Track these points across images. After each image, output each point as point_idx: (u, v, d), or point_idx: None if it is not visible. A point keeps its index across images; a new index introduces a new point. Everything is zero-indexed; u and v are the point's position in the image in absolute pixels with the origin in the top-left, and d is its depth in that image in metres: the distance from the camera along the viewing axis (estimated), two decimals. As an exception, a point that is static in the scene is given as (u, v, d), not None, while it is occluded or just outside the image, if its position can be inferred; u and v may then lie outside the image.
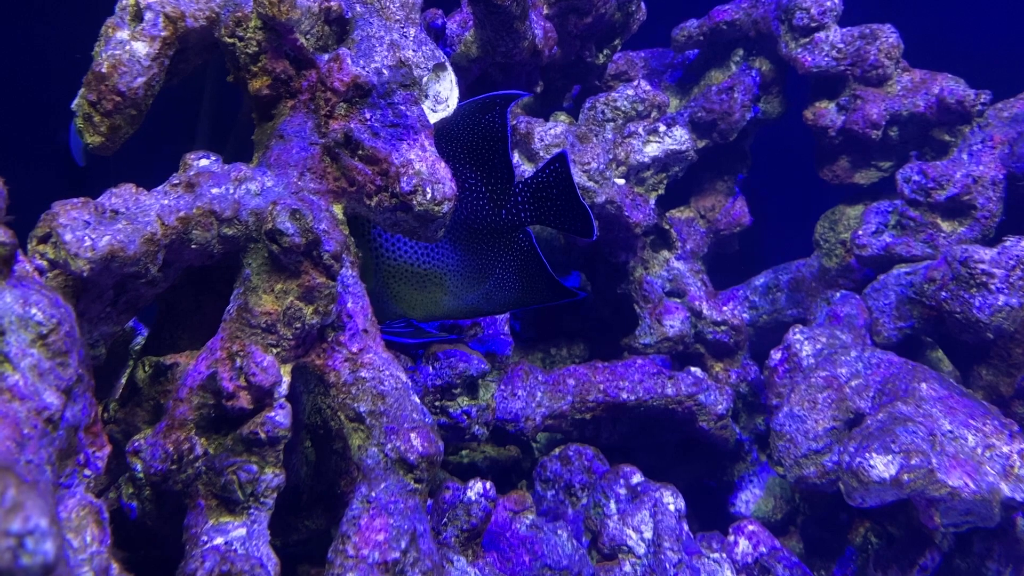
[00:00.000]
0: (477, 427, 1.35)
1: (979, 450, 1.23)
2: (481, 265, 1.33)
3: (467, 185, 1.30)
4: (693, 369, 1.64)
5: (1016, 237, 1.47)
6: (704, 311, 1.84)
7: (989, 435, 1.25)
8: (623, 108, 1.74)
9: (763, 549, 1.32)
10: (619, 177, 1.69)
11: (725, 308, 1.88)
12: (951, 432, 1.25)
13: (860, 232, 1.76)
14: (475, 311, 1.38)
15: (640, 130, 1.73)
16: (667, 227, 1.88)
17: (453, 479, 1.50)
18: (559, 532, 1.22)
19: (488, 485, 1.08)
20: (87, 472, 0.74)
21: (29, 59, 1.80)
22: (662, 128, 1.74)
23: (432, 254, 1.29)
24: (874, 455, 1.20)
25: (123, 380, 1.11)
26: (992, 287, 1.45)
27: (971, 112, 1.76)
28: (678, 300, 1.84)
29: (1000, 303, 1.45)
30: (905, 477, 1.18)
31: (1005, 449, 1.23)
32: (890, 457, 1.19)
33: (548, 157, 1.58)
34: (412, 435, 0.93)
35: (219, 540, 0.85)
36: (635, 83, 1.77)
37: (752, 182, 2.09)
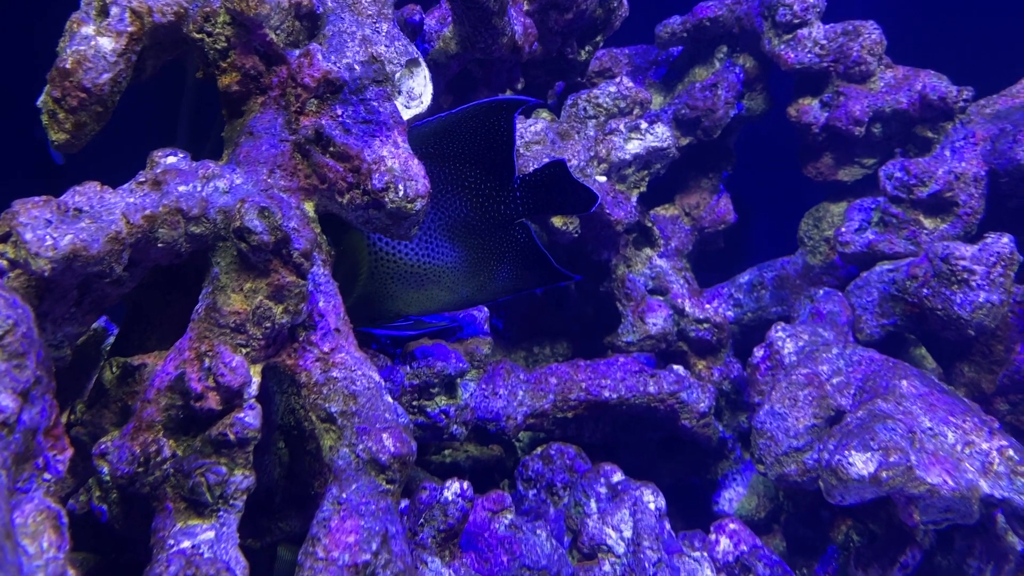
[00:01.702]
0: (456, 427, 1.34)
1: (959, 447, 1.23)
2: (479, 259, 1.37)
3: (467, 183, 1.33)
4: (675, 367, 1.63)
5: (997, 234, 1.47)
6: (687, 309, 1.83)
7: (969, 432, 1.24)
8: (605, 105, 1.73)
9: (744, 548, 1.31)
10: (600, 174, 1.68)
11: (708, 306, 1.87)
12: (931, 429, 1.25)
13: (843, 229, 1.75)
14: (469, 302, 1.41)
15: (622, 127, 1.72)
16: (650, 225, 1.87)
17: (432, 479, 1.49)
18: (538, 532, 1.21)
19: (465, 485, 1.07)
20: (47, 476, 0.72)
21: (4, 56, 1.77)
22: (644, 125, 1.73)
23: (432, 251, 1.31)
24: (853, 452, 1.19)
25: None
26: (973, 284, 1.45)
27: (954, 109, 1.75)
28: (661, 298, 1.83)
29: (981, 300, 1.45)
30: (884, 474, 1.18)
31: (984, 446, 1.23)
32: (869, 454, 1.18)
33: (527, 154, 1.58)
34: (384, 435, 0.92)
35: (186, 543, 0.83)
36: (617, 80, 1.76)
37: (737, 179, 2.08)
